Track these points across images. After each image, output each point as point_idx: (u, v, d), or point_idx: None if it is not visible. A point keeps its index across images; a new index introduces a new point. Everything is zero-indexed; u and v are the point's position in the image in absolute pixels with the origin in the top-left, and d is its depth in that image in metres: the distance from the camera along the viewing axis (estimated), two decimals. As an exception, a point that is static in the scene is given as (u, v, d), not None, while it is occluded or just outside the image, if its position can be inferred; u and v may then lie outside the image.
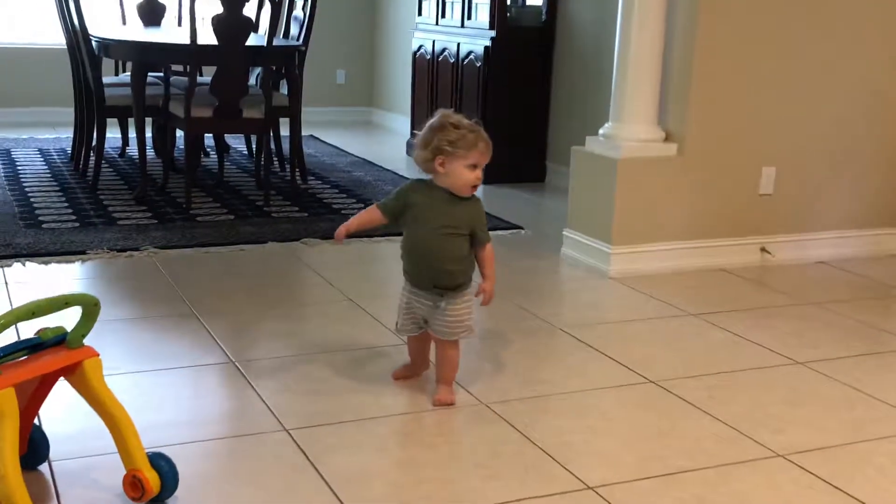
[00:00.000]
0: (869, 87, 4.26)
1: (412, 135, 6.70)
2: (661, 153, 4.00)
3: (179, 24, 6.32)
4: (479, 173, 2.55)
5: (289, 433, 2.44)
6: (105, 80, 5.19)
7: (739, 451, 2.44)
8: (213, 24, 4.71)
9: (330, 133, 7.39)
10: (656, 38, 3.94)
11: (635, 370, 2.95)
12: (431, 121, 2.55)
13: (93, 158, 5.26)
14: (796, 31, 4.07)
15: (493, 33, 5.73)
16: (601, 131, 4.11)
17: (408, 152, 6.70)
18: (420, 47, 6.58)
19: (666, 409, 2.69)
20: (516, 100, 5.84)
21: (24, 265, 3.80)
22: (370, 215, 2.64)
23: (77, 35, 5.13)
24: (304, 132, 5.87)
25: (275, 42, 5.01)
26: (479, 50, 5.80)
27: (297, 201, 5.06)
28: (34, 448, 2.16)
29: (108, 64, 5.52)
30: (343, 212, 4.85)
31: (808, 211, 4.28)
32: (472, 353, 3.04)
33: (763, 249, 4.18)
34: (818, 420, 2.65)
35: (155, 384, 2.74)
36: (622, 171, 3.94)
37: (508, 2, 5.83)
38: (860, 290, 3.96)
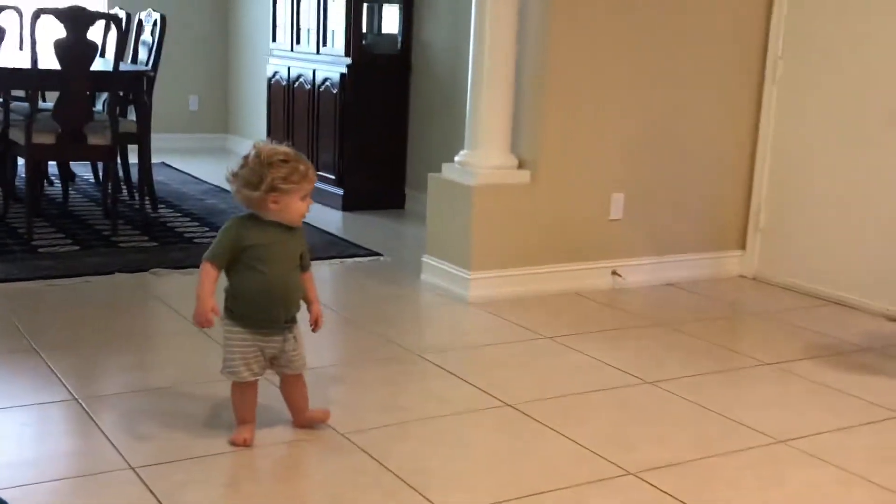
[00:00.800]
0: (712, 117, 4.44)
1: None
2: (515, 180, 4.06)
3: (21, 48, 6.05)
4: (309, 201, 2.47)
5: (135, 471, 2.33)
6: (-62, 104, 4.90)
7: (593, 471, 2.47)
8: (56, 48, 4.52)
9: (183, 160, 7.20)
10: (508, 68, 4.01)
11: (492, 394, 2.96)
12: (251, 156, 2.40)
13: (-76, 187, 4.95)
14: (645, 61, 4.22)
15: (348, 60, 5.71)
16: (457, 158, 4.14)
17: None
18: (275, 73, 6.50)
19: (522, 432, 2.70)
20: (374, 127, 5.84)
21: None
22: (211, 276, 2.44)
23: None
24: (156, 159, 5.69)
25: (122, 67, 4.85)
26: (336, 77, 5.77)
27: (147, 230, 4.89)
28: None
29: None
30: (195, 240, 4.72)
31: (656, 235, 4.42)
32: (328, 381, 2.99)
33: (614, 273, 4.29)
34: (668, 437, 2.72)
35: (-11, 425, 2.58)
36: (478, 198, 3.97)
37: (364, 29, 5.84)
38: (707, 311, 4.10)
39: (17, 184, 5.50)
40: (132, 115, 5.23)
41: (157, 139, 5.53)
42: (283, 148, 2.44)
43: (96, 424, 2.59)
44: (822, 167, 4.33)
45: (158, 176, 6.03)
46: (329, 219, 5.42)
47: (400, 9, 5.86)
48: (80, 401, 2.74)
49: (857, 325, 3.94)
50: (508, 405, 2.88)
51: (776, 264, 4.53)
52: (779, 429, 2.80)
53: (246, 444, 2.48)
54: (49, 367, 2.99)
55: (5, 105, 4.96)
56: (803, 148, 4.39)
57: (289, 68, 6.30)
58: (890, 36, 4.02)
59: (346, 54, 5.74)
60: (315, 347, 3.40)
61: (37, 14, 4.45)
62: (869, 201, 4.13)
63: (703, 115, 4.43)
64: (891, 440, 2.80)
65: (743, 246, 4.66)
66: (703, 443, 2.69)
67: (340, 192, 5.79)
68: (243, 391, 2.52)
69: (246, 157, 2.41)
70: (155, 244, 4.63)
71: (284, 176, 2.38)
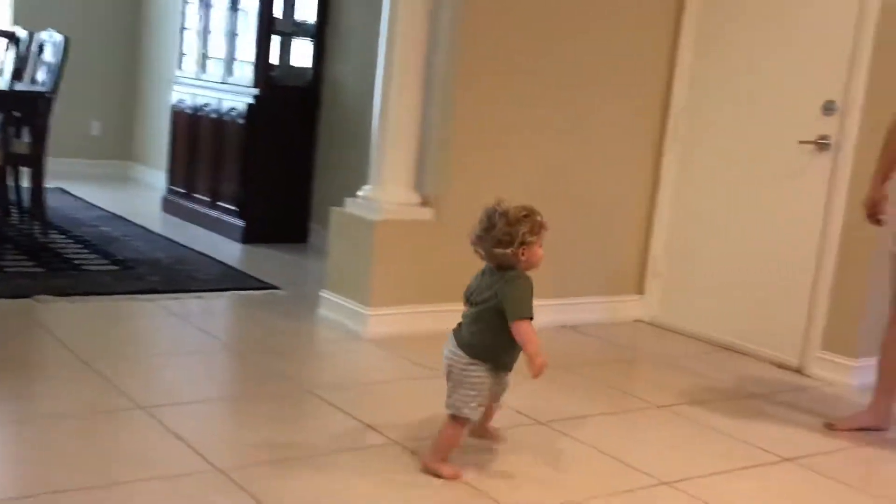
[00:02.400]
0: (614, 164, 4.51)
1: (169, 190, 6.46)
2: (418, 217, 4.04)
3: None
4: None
5: (-4, 506, 2.20)
6: None
7: (479, 512, 2.43)
8: (-55, 64, 4.36)
9: (82, 186, 6.99)
10: (414, 105, 4.01)
11: (382, 431, 2.90)
12: (496, 217, 2.59)
13: None
14: (550, 110, 4.26)
15: (256, 91, 5.65)
16: (360, 193, 4.11)
17: (164, 208, 6.44)
18: (180, 101, 6.38)
19: (408, 468, 2.65)
20: (280, 159, 5.76)
21: None
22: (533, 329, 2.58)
23: None
24: (53, 184, 5.52)
25: (19, 87, 4.70)
26: (242, 107, 5.70)
27: (35, 256, 4.71)
28: None
29: None
30: (83, 267, 4.56)
31: (556, 278, 4.44)
32: (211, 416, 2.89)
33: (515, 313, 4.28)
34: (557, 478, 2.71)
35: None
36: (379, 234, 3.94)
37: (274, 61, 5.78)
38: (603, 354, 4.13)
39: None
40: (27, 137, 5.06)
41: (56, 163, 5.36)
42: (519, 204, 2.64)
43: (-42, 455, 2.45)
44: (717, 217, 4.43)
45: (54, 201, 5.84)
46: (228, 250, 5.31)
47: (312, 43, 5.83)
48: (-57, 430, 2.59)
49: (746, 371, 4.01)
50: (395, 441, 2.83)
51: (673, 310, 4.60)
52: (666, 470, 2.80)
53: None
54: (-87, 394, 2.83)
55: None
56: (700, 197, 4.49)
57: (194, 96, 6.20)
58: (785, 91, 4.15)
59: (255, 85, 5.67)
60: (197, 379, 3.31)
61: (-72, 28, 4.29)
62: (758, 252, 4.23)
63: (605, 162, 4.49)
64: (773, 484, 2.84)
65: (641, 291, 4.72)
66: (590, 483, 2.68)
67: (241, 223, 5.68)
68: (465, 429, 2.66)
69: (490, 219, 2.61)
70: (42, 270, 4.46)
71: (529, 229, 2.60)
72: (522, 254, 2.61)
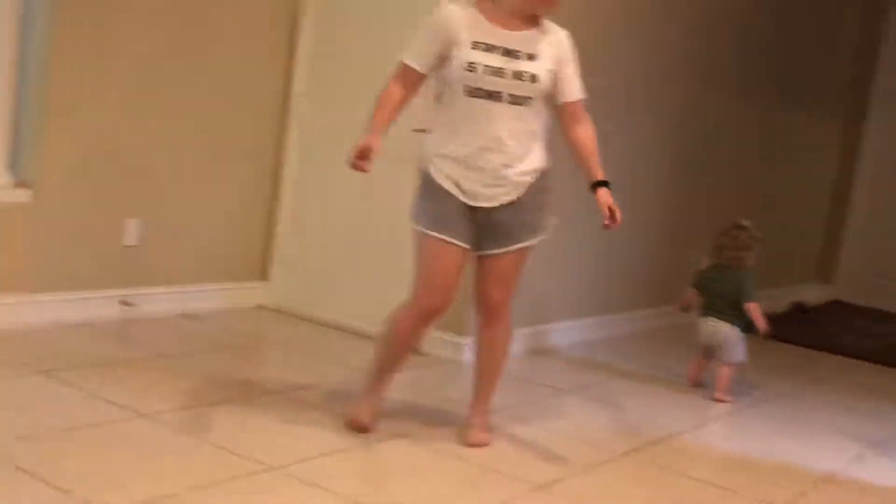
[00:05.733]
0: (236, 147, 4.40)
1: None
2: (9, 199, 3.67)
3: None
4: None
5: None
6: None
7: (67, 514, 2.24)
8: None
9: None
10: (5, 81, 3.64)
11: (-40, 436, 2.60)
12: None
13: None
14: (156, 85, 4.06)
15: None
16: (-57, 172, 3.66)
17: None
18: None
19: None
20: None
21: None
22: None
23: None
24: None
25: None
26: None
27: None
28: None
29: None
30: None
31: (174, 264, 4.26)
32: None
33: (124, 302, 4.05)
34: (161, 472, 2.57)
35: None
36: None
37: None
38: (219, 341, 4.02)
39: None
40: None
41: None
42: None
43: None
44: (338, 202, 4.47)
45: None
46: None
47: None
48: None
49: (364, 353, 4.08)
50: (-21, 448, 2.54)
51: (297, 295, 4.59)
52: (275, 456, 2.77)
53: None
54: None
55: None
56: (322, 184, 4.51)
57: None
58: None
59: None
60: None
61: None
62: (378, 237, 4.33)
63: (224, 141, 4.37)
64: (379, 458, 2.90)
65: (265, 277, 4.67)
66: (196, 474, 2.57)
67: None
68: None
69: None
70: None
71: None
72: None
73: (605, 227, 2.94)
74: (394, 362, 3.12)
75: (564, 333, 4.78)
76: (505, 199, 2.93)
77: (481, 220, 2.95)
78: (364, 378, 3.18)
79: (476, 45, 2.88)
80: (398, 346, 3.09)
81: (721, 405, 4.05)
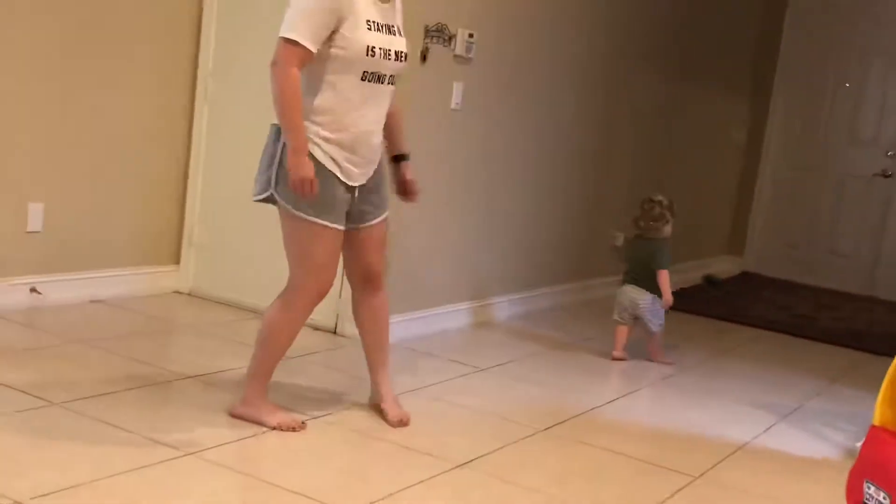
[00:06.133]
0: (144, 127, 4.29)
1: None
2: None
3: None
4: None
5: None
6: None
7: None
8: None
9: None
10: None
11: None
12: None
13: None
14: (62, 60, 3.92)
15: None
16: None
17: None
18: None
19: None
20: None
21: None
22: None
23: None
24: None
25: None
26: None
27: None
28: None
29: None
30: None
31: (82, 249, 4.14)
32: None
33: (33, 290, 3.92)
34: (68, 461, 2.49)
35: None
36: None
37: None
38: (130, 327, 3.92)
39: None
40: None
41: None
42: None
43: None
44: (248, 184, 4.37)
45: None
46: None
47: None
48: None
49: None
50: None
51: (210, 279, 4.50)
52: (190, 441, 2.71)
53: None
54: None
55: None
56: (233, 164, 4.42)
57: None
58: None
59: None
60: None
61: None
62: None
63: (132, 123, 4.25)
64: (296, 441, 2.87)
65: (177, 261, 4.57)
66: (105, 463, 2.51)
67: None
68: None
69: None
70: None
71: None
72: None
73: (405, 199, 3.12)
74: (282, 353, 3.03)
75: (501, 307, 4.89)
76: (372, 172, 2.95)
77: (358, 195, 2.92)
78: (253, 381, 3.00)
79: (370, 25, 2.75)
80: (291, 336, 3.00)
81: (655, 371, 4.27)
